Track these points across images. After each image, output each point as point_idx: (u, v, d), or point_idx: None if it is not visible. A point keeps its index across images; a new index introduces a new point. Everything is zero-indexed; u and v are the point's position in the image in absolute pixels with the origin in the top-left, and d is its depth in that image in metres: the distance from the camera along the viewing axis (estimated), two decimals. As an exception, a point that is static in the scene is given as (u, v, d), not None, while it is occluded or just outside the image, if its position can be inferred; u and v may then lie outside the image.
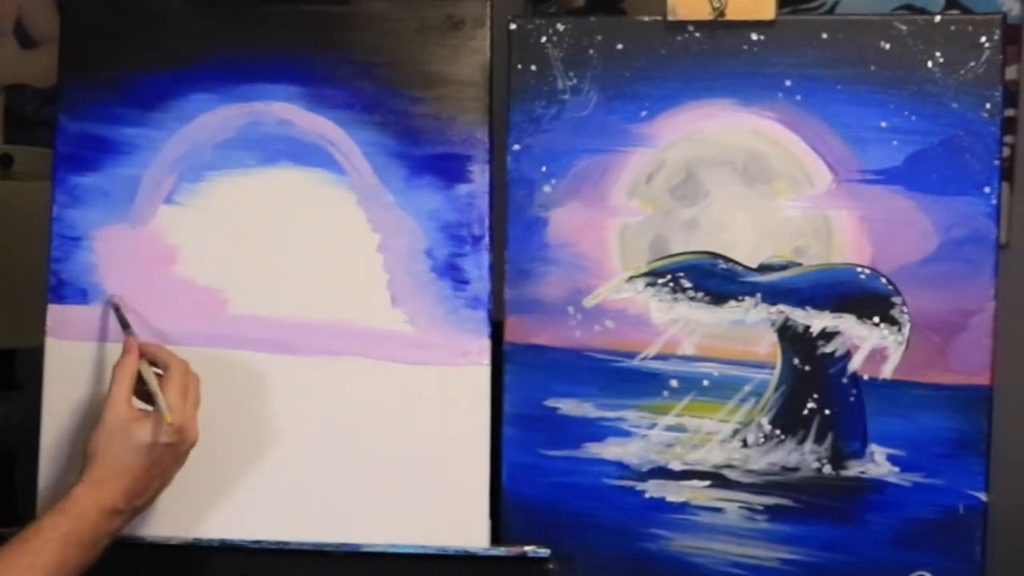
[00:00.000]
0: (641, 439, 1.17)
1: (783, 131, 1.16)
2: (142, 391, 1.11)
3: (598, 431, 1.17)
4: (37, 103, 2.07)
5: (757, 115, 1.16)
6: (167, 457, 1.09)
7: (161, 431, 1.08)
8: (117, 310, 1.18)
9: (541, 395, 1.18)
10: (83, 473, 1.07)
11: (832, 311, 1.15)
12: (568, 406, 1.18)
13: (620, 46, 1.18)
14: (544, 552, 1.16)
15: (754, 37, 1.16)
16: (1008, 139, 1.62)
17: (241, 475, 1.19)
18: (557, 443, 1.18)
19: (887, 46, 1.14)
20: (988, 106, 1.13)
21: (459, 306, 1.19)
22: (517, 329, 1.18)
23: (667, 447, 1.17)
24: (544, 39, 1.19)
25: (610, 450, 1.17)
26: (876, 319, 1.14)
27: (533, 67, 1.19)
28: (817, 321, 1.15)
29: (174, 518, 1.17)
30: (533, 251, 1.19)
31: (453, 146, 1.20)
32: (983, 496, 1.13)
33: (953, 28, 1.14)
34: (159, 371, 1.13)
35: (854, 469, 1.15)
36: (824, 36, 1.15)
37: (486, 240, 1.19)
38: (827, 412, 1.15)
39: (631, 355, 1.17)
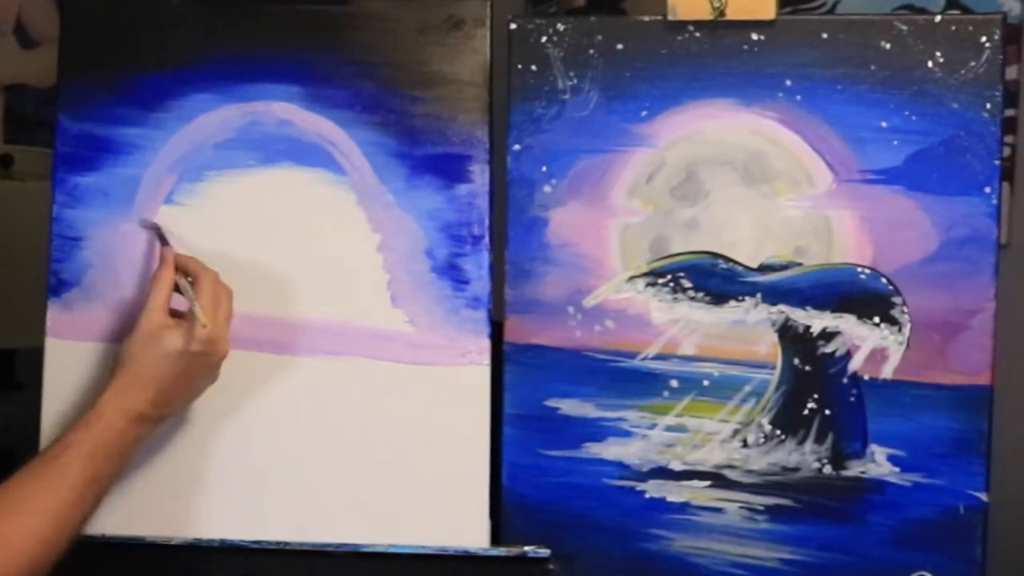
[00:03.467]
0: (641, 439, 1.17)
1: (783, 131, 1.16)
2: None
3: (598, 431, 1.17)
4: (37, 103, 2.08)
5: (757, 115, 1.16)
6: (197, 366, 1.10)
7: (193, 339, 1.08)
8: (156, 228, 1.19)
9: (541, 395, 1.18)
10: (110, 381, 1.08)
11: (832, 311, 1.15)
12: (568, 406, 1.18)
13: (620, 46, 1.18)
14: (544, 552, 1.16)
15: (754, 37, 1.16)
16: (1008, 139, 1.62)
17: (241, 475, 1.19)
18: (557, 443, 1.18)
19: (887, 46, 1.14)
20: (988, 106, 1.13)
21: (459, 306, 1.19)
22: (517, 329, 1.18)
23: (667, 447, 1.17)
24: (544, 39, 1.19)
25: (610, 450, 1.17)
26: (876, 319, 1.14)
27: (533, 67, 1.19)
28: (817, 321, 1.15)
29: (174, 518, 1.17)
30: (533, 251, 1.18)
31: (453, 146, 1.20)
32: (983, 496, 1.13)
33: (953, 28, 1.14)
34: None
35: (854, 469, 1.15)
36: (824, 36, 1.15)
37: (486, 240, 1.19)
38: (827, 412, 1.15)
39: (631, 355, 1.17)
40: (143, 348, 1.09)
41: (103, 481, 1.05)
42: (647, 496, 1.17)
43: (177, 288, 1.12)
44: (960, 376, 1.13)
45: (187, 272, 1.14)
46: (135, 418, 1.07)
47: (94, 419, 1.05)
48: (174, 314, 1.12)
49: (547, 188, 1.19)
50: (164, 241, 1.18)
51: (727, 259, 1.17)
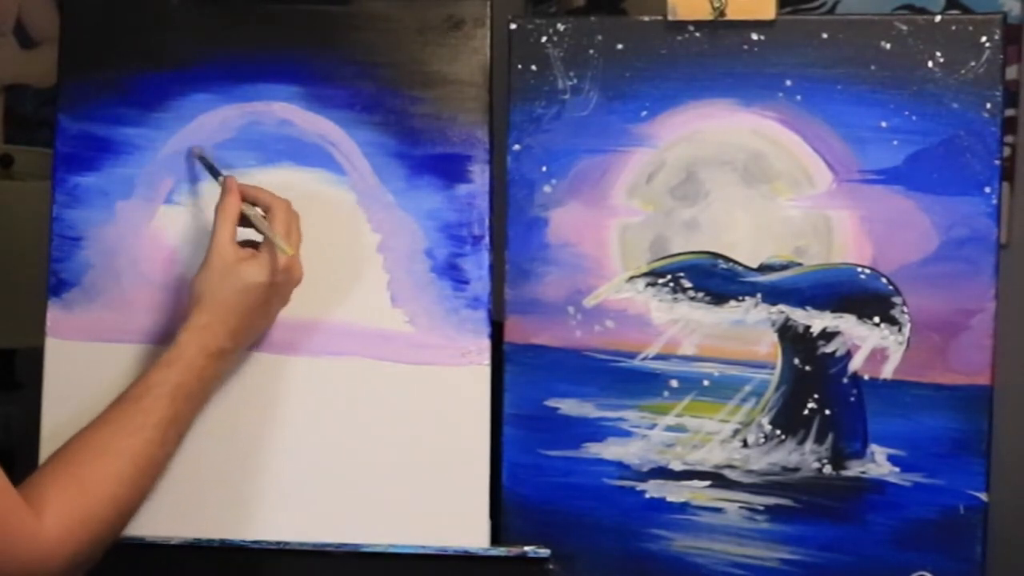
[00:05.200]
0: (641, 439, 1.17)
1: (783, 131, 1.16)
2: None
3: (598, 431, 1.17)
4: (37, 103, 2.08)
5: (757, 115, 1.16)
6: (275, 295, 1.10)
7: (272, 269, 1.07)
8: (203, 159, 1.17)
9: (541, 395, 1.18)
10: (188, 319, 1.07)
11: (832, 311, 1.15)
12: (568, 406, 1.18)
13: (620, 46, 1.18)
14: (544, 552, 1.16)
15: (754, 37, 1.16)
16: (1008, 139, 1.62)
17: (241, 475, 1.19)
18: (557, 443, 1.18)
19: (887, 46, 1.14)
20: (988, 106, 1.13)
21: (459, 306, 1.19)
22: (517, 329, 1.18)
23: (667, 447, 1.17)
24: (544, 39, 1.19)
25: (610, 450, 1.17)
26: (876, 319, 1.14)
27: (533, 67, 1.19)
28: (817, 321, 1.15)
29: (174, 518, 1.17)
30: (533, 251, 1.19)
31: (453, 146, 1.20)
32: (983, 496, 1.13)
33: (953, 28, 1.14)
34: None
35: (854, 469, 1.15)
36: (824, 36, 1.15)
37: (486, 240, 1.19)
38: (827, 412, 1.15)
39: (631, 355, 1.17)
40: (220, 284, 1.07)
41: (186, 419, 1.06)
42: (647, 496, 1.17)
43: (243, 219, 1.11)
44: (960, 376, 1.13)
45: (256, 202, 1.12)
46: (216, 354, 1.06)
47: (175, 358, 1.05)
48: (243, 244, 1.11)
49: (547, 188, 1.19)
50: (216, 172, 1.16)
51: (727, 259, 1.17)
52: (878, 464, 1.14)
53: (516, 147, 1.19)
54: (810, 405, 1.15)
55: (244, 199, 1.12)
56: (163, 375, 1.04)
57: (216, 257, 1.08)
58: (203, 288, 1.07)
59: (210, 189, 1.21)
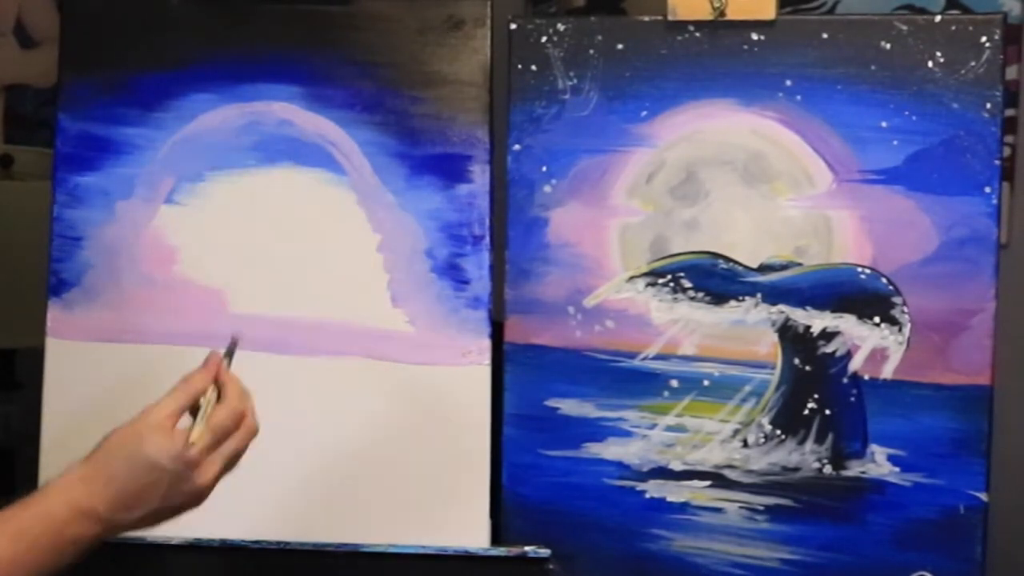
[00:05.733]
0: (641, 439, 1.17)
1: (783, 131, 1.16)
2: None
3: (598, 431, 1.17)
4: (37, 103, 2.07)
5: (757, 115, 1.16)
6: (168, 486, 0.96)
7: (174, 455, 0.95)
8: (234, 345, 1.04)
9: (541, 395, 1.18)
10: (76, 465, 0.96)
11: (832, 311, 1.15)
12: (568, 406, 1.18)
13: (620, 46, 1.18)
14: (544, 552, 1.16)
15: (754, 37, 1.16)
16: (1008, 139, 1.62)
17: (241, 475, 1.18)
18: (557, 443, 1.18)
19: (887, 46, 1.14)
20: (988, 106, 1.13)
21: (459, 306, 1.19)
22: (517, 329, 1.18)
23: (667, 447, 1.17)
24: (544, 39, 1.19)
25: (610, 450, 1.17)
26: (876, 319, 1.14)
27: (533, 67, 1.19)
28: (817, 321, 1.15)
29: (174, 518, 1.17)
30: (533, 251, 1.19)
31: (453, 146, 1.20)
32: (983, 496, 1.13)
33: (953, 28, 1.14)
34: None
35: (854, 469, 1.15)
36: (824, 36, 1.15)
37: (486, 240, 1.19)
38: (827, 412, 1.15)
39: (631, 355, 1.17)
40: (121, 443, 0.96)
41: (25, 570, 0.91)
42: (647, 496, 1.17)
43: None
44: (960, 376, 1.13)
45: (221, 389, 1.00)
46: (83, 513, 0.93)
47: (35, 501, 0.93)
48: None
49: (547, 188, 1.19)
50: (227, 354, 1.03)
51: (727, 259, 1.17)
52: (878, 464, 1.14)
53: (516, 147, 1.19)
54: (810, 405, 1.15)
55: (218, 384, 0.99)
56: (14, 512, 0.92)
57: (142, 417, 0.97)
58: (109, 441, 0.96)
59: (211, 189, 1.21)
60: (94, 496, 0.94)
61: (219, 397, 0.99)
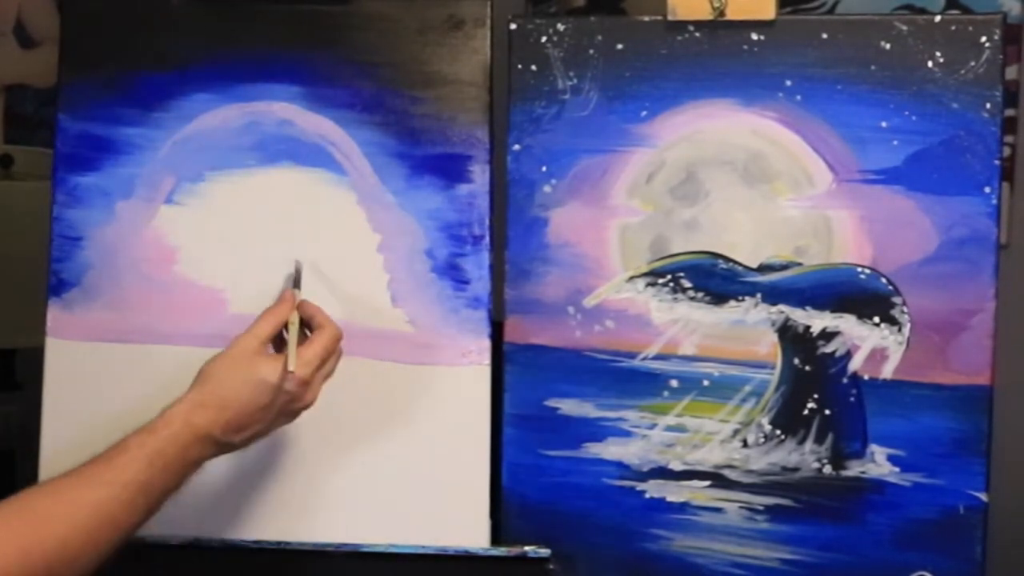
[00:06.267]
0: (641, 439, 1.17)
1: (783, 131, 1.16)
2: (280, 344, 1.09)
3: (598, 431, 1.17)
4: (37, 103, 2.07)
5: (757, 115, 1.16)
6: (278, 405, 1.05)
7: (286, 376, 1.03)
8: (299, 272, 1.16)
9: (541, 395, 1.18)
10: (186, 394, 1.03)
11: (832, 311, 1.15)
12: (568, 406, 1.18)
13: (620, 46, 1.18)
14: (544, 552, 1.16)
15: (754, 37, 1.16)
16: (1008, 139, 1.62)
17: (241, 475, 1.19)
18: (557, 443, 1.18)
19: (887, 46, 1.14)
20: (988, 106, 1.13)
21: (459, 306, 1.19)
22: (517, 329, 1.18)
23: (667, 447, 1.17)
24: (544, 39, 1.19)
25: (610, 450, 1.17)
26: (876, 319, 1.14)
27: (533, 67, 1.19)
28: (817, 321, 1.15)
29: (174, 518, 1.17)
30: (533, 251, 1.19)
31: (453, 146, 1.20)
32: (983, 496, 1.13)
33: (953, 28, 1.14)
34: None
35: (854, 469, 1.15)
36: (824, 36, 1.15)
37: (486, 240, 1.19)
38: (827, 412, 1.15)
39: (631, 355, 1.17)
40: (230, 370, 1.04)
41: (157, 491, 0.99)
42: (647, 496, 1.17)
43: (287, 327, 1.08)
44: (960, 376, 1.13)
45: (310, 319, 1.10)
46: (202, 437, 1.01)
47: (161, 426, 1.00)
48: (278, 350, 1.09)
49: (547, 188, 1.19)
50: (295, 284, 1.15)
51: (727, 259, 1.17)
52: (878, 464, 1.14)
53: (516, 147, 1.19)
54: (810, 405, 1.16)
55: (301, 312, 1.10)
56: (143, 439, 0.99)
57: (237, 345, 1.06)
58: (211, 369, 1.04)
59: (211, 189, 1.21)
60: (211, 420, 1.01)
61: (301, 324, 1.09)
